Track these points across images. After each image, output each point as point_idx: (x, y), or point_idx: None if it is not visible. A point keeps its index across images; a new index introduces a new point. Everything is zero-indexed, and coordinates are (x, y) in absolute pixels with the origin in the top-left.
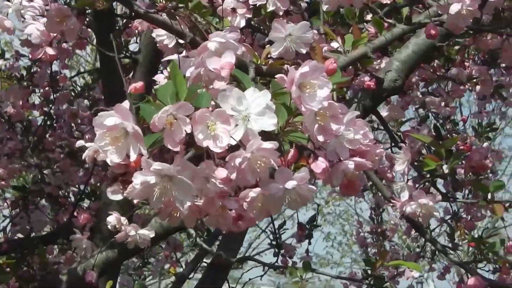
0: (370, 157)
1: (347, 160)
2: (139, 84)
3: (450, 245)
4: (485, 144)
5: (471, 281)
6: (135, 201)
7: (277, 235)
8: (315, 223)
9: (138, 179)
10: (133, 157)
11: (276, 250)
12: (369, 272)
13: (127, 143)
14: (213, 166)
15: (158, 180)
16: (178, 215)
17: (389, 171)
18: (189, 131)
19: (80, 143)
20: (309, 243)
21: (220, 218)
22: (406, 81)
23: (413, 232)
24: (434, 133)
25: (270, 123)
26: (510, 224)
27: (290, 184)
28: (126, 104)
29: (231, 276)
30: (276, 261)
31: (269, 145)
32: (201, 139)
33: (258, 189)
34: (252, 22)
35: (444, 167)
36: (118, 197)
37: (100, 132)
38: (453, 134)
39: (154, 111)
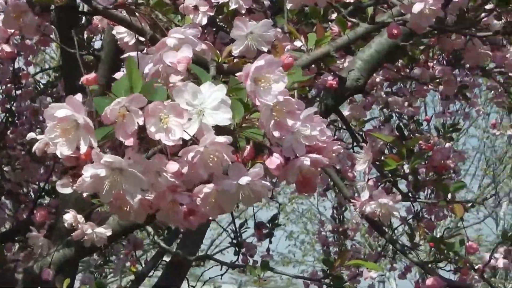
0: (327, 153)
1: (303, 156)
2: (92, 75)
3: (410, 245)
4: (448, 145)
5: (429, 281)
6: (84, 195)
7: (238, 234)
8: (276, 222)
9: (88, 172)
10: (83, 149)
11: (237, 249)
12: (328, 271)
13: (78, 135)
14: (164, 160)
15: (108, 173)
16: (128, 209)
17: (350, 170)
18: (141, 123)
19: (30, 135)
20: (270, 242)
21: (171, 212)
22: (370, 81)
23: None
24: (397, 133)
25: (225, 117)
26: (472, 224)
27: (243, 180)
28: (78, 96)
29: (193, 273)
30: (237, 260)
31: (222, 139)
32: (153, 132)
33: (212, 185)
34: (218, 21)
35: (405, 166)
36: (68, 190)
37: (50, 124)
38: (416, 134)
39: (107, 103)
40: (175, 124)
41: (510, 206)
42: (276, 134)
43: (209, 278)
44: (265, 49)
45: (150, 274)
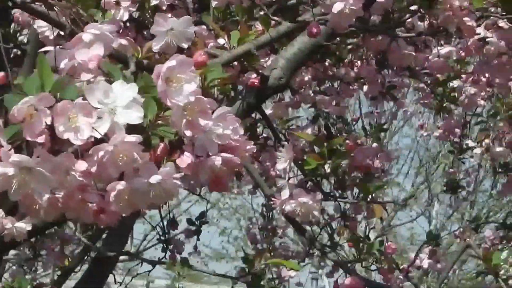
0: (240, 152)
1: (215, 155)
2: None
3: (330, 244)
4: (374, 144)
5: (347, 280)
6: None
7: (166, 231)
8: (204, 219)
9: None
10: None
11: (165, 246)
12: (248, 270)
13: None
14: (73, 158)
15: (16, 172)
16: (38, 207)
17: (272, 169)
18: (49, 122)
19: None
20: (198, 239)
21: (81, 211)
22: (298, 79)
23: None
24: (325, 132)
25: (136, 116)
26: (405, 223)
27: (154, 179)
28: None
29: (126, 267)
30: (164, 257)
31: (132, 138)
32: (62, 131)
33: (125, 182)
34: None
35: (326, 166)
36: None
37: None
38: (344, 134)
39: (17, 101)
40: (83, 123)
41: (443, 206)
42: (188, 133)
43: (137, 274)
44: (185, 46)
45: (78, 269)
